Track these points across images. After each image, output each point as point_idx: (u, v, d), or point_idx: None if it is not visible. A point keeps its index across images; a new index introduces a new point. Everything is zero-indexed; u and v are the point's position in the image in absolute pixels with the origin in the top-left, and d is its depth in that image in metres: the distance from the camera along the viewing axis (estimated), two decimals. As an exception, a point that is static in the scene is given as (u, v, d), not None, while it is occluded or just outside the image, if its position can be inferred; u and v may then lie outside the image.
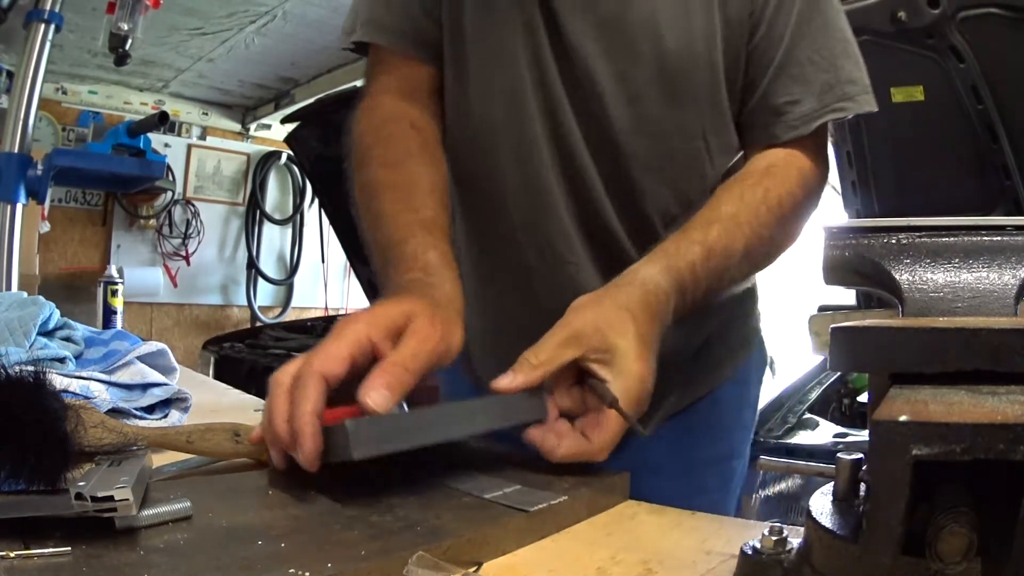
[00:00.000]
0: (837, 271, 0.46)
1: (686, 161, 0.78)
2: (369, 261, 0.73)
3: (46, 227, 3.52)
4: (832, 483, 0.41)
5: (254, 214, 5.06)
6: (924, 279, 0.42)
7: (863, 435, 2.17)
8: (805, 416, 2.41)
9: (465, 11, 0.79)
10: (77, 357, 0.87)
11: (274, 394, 0.55)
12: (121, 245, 4.57)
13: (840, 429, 2.29)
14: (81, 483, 0.43)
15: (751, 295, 0.92)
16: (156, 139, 3.03)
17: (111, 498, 0.42)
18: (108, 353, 0.88)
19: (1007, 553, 0.29)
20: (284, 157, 5.01)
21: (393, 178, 0.75)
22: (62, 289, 3.75)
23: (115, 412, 0.77)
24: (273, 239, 5.18)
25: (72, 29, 3.00)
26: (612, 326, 0.60)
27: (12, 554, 0.39)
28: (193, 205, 4.80)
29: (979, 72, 1.78)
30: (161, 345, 0.91)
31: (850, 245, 0.45)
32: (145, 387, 0.83)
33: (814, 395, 2.55)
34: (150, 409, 0.82)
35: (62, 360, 0.84)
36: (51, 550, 0.40)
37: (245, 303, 5.06)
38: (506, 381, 0.58)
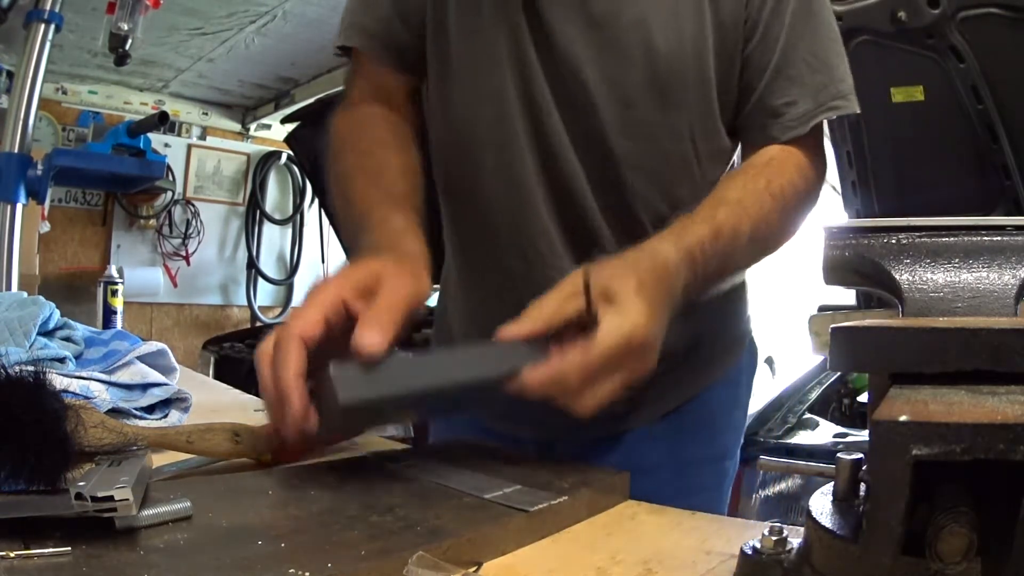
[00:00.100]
0: (837, 271, 0.46)
1: (676, 163, 0.78)
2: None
3: (46, 227, 3.52)
4: (832, 483, 0.41)
5: (254, 214, 5.06)
6: (924, 279, 0.42)
7: (863, 435, 2.17)
8: (805, 416, 2.41)
9: (449, 14, 0.79)
10: (77, 357, 0.87)
11: (260, 368, 0.55)
12: (121, 245, 4.56)
13: (840, 429, 2.29)
14: (81, 483, 0.43)
15: (741, 297, 0.93)
16: (156, 139, 3.04)
17: (111, 498, 0.42)
18: (108, 353, 0.88)
19: (1007, 553, 0.29)
20: (284, 157, 5.00)
21: (365, 163, 0.77)
22: (62, 289, 3.75)
23: (115, 412, 0.77)
24: (273, 239, 5.18)
25: (72, 29, 3.00)
26: (615, 278, 0.60)
27: (12, 554, 0.39)
28: (193, 205, 4.80)
29: (979, 72, 1.78)
30: (161, 345, 0.91)
31: (850, 245, 0.45)
32: (145, 387, 0.83)
33: (814, 395, 2.55)
34: (150, 409, 0.82)
35: (62, 360, 0.84)
36: (51, 550, 0.40)
37: (245, 303, 5.06)
38: (510, 330, 0.58)
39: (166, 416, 0.82)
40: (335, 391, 0.50)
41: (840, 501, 0.39)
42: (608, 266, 0.61)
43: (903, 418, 0.30)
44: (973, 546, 0.30)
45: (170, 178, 4.43)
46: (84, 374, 0.80)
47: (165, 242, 4.70)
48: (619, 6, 0.74)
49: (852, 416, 2.52)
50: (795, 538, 0.40)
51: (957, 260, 0.42)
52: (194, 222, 4.80)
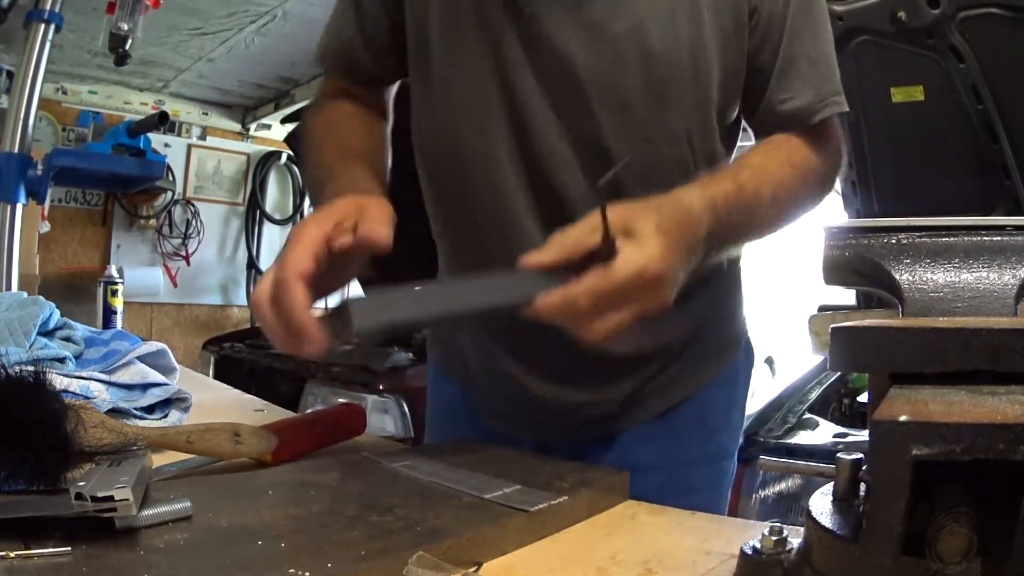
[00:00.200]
0: (837, 271, 0.46)
1: (673, 166, 0.78)
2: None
3: (46, 227, 3.52)
4: (832, 483, 0.41)
5: (254, 214, 5.06)
6: (924, 279, 0.42)
7: (863, 435, 2.17)
8: (805, 416, 2.41)
9: (431, 25, 0.79)
10: (77, 357, 0.87)
11: (261, 313, 0.58)
12: (121, 245, 4.56)
13: (840, 429, 2.29)
14: (81, 483, 0.43)
15: (736, 297, 0.93)
16: (156, 139, 3.03)
17: (111, 498, 0.42)
18: (108, 353, 0.88)
19: (1007, 553, 0.29)
20: (284, 157, 5.00)
21: (329, 138, 0.84)
22: (62, 289, 3.75)
23: (115, 412, 0.77)
24: (273, 239, 5.18)
25: (72, 29, 3.00)
26: (637, 215, 0.61)
27: (12, 554, 0.39)
28: (193, 205, 4.80)
29: (979, 72, 1.78)
30: (161, 345, 0.91)
31: (850, 245, 0.45)
32: (145, 387, 0.83)
33: (814, 395, 2.54)
34: (150, 409, 0.82)
35: (62, 360, 0.84)
36: (51, 550, 0.40)
37: (245, 303, 5.06)
38: (531, 258, 0.59)
39: (166, 416, 0.82)
40: (351, 320, 0.54)
41: (840, 501, 0.39)
42: (632, 206, 0.62)
43: (903, 418, 0.30)
44: (973, 546, 0.30)
45: (170, 178, 4.43)
46: (84, 374, 0.80)
47: (165, 242, 4.70)
48: (615, 10, 0.74)
49: (852, 416, 2.52)
50: (795, 538, 0.40)
51: (957, 260, 0.42)
52: (194, 222, 4.80)
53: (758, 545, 0.40)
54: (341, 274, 0.64)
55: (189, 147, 4.76)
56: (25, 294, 1.03)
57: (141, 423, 0.78)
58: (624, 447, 0.85)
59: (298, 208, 5.21)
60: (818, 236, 0.49)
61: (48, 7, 1.96)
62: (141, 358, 0.87)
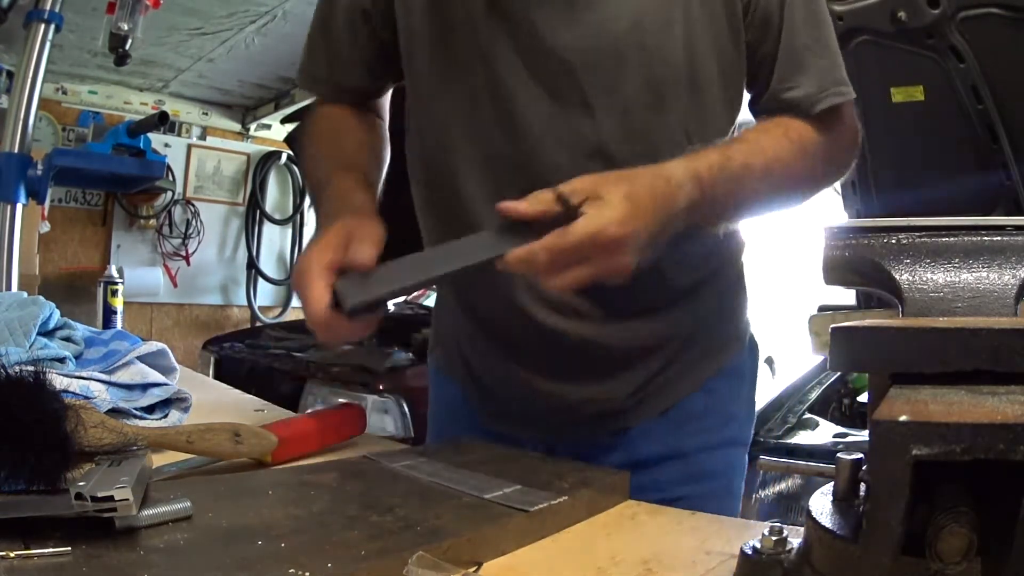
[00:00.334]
0: (837, 271, 0.46)
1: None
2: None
3: (46, 227, 3.52)
4: (832, 483, 0.41)
5: (254, 214, 5.05)
6: (924, 279, 0.42)
7: (863, 435, 2.17)
8: (805, 416, 2.41)
9: (419, 36, 0.80)
10: (77, 357, 0.87)
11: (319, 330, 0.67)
12: (121, 245, 4.56)
13: (840, 429, 2.29)
14: (81, 483, 0.43)
15: (739, 294, 0.93)
16: (156, 139, 3.03)
17: (111, 498, 0.42)
18: (108, 353, 0.88)
19: (1007, 553, 0.29)
20: (284, 157, 5.00)
21: (324, 145, 0.88)
22: (62, 289, 3.75)
23: (115, 412, 0.77)
24: (273, 239, 5.18)
25: (72, 29, 3.00)
26: (607, 182, 0.64)
27: (12, 554, 0.39)
28: (193, 205, 4.80)
29: (979, 72, 1.78)
30: (161, 345, 0.91)
31: (850, 245, 0.45)
32: (145, 387, 0.83)
33: (814, 395, 2.54)
34: (150, 409, 0.82)
35: (62, 360, 0.84)
36: (51, 550, 0.40)
37: (245, 303, 5.06)
38: (507, 205, 0.63)
39: (166, 416, 0.82)
40: (343, 298, 0.64)
41: (840, 501, 0.39)
42: (606, 174, 0.65)
43: (903, 418, 0.30)
44: (973, 546, 0.30)
45: (170, 178, 4.43)
46: (84, 374, 0.80)
47: (165, 242, 4.70)
48: (614, 10, 0.74)
49: (852, 416, 2.52)
50: (795, 538, 0.40)
51: (957, 260, 0.42)
52: (194, 222, 4.80)
53: (758, 545, 0.40)
54: None
55: (189, 147, 4.76)
56: (25, 294, 1.03)
57: (141, 423, 0.78)
58: (629, 445, 0.85)
59: (298, 208, 5.20)
60: (818, 236, 0.49)
61: (48, 7, 1.96)
62: (141, 358, 0.87)
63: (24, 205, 1.99)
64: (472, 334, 0.89)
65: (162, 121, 2.63)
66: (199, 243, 4.84)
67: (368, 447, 0.78)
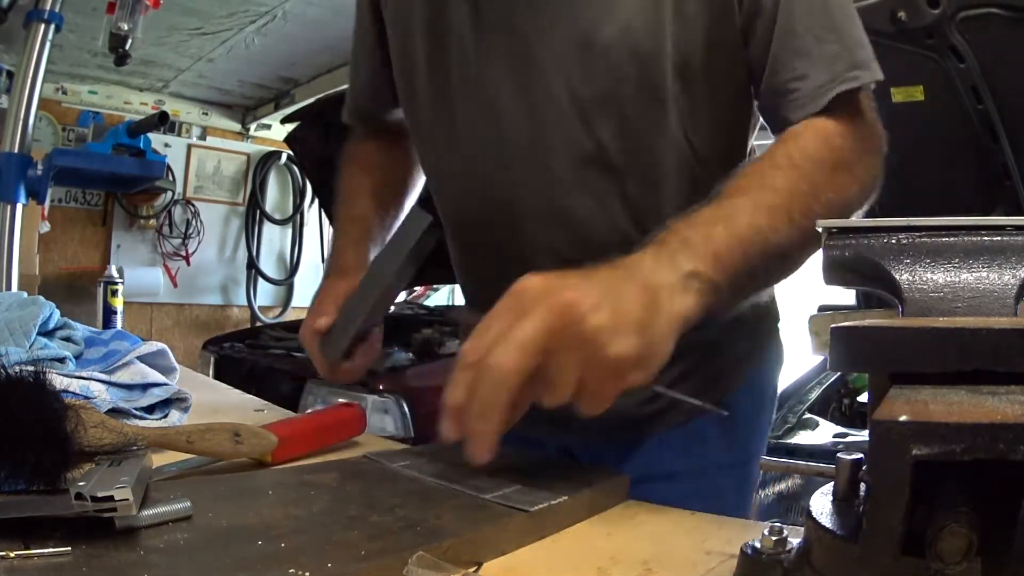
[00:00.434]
0: (837, 271, 0.46)
1: (675, 171, 0.75)
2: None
3: (46, 227, 3.52)
4: (832, 483, 0.41)
5: (254, 214, 5.06)
6: (924, 279, 0.42)
7: (863, 435, 2.17)
8: (805, 416, 2.42)
9: (419, 78, 0.82)
10: (77, 357, 0.87)
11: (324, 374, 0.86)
12: (121, 245, 4.57)
13: (840, 429, 2.30)
14: (81, 483, 0.43)
15: (765, 299, 0.88)
16: (156, 139, 3.03)
17: (111, 498, 0.42)
18: (108, 353, 0.88)
19: (1007, 553, 0.29)
20: (284, 157, 5.00)
21: (345, 188, 0.99)
22: (62, 289, 3.76)
23: (115, 412, 0.77)
24: (273, 239, 5.18)
25: (72, 29, 3.00)
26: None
27: (12, 554, 0.39)
28: (193, 205, 4.80)
29: (979, 72, 1.78)
30: (161, 345, 0.91)
31: (850, 245, 0.45)
32: (145, 387, 0.83)
33: (814, 395, 2.55)
34: (150, 409, 0.82)
35: (62, 360, 0.84)
36: (51, 550, 0.40)
37: (245, 303, 5.06)
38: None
39: (166, 416, 0.82)
40: (326, 355, 0.83)
41: (840, 501, 0.39)
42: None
43: (903, 418, 0.30)
44: (973, 546, 0.30)
45: (170, 178, 4.43)
46: (84, 374, 0.80)
47: (165, 242, 4.71)
48: (603, 17, 0.71)
49: (852, 416, 2.52)
50: (795, 538, 0.40)
51: (957, 260, 0.42)
52: (194, 222, 4.80)
53: (758, 545, 0.40)
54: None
55: (189, 147, 4.77)
56: (25, 294, 1.03)
57: (141, 423, 0.78)
58: (647, 454, 0.82)
59: (298, 208, 5.21)
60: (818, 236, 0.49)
61: (48, 7, 1.96)
62: (141, 358, 0.87)
63: (24, 205, 1.99)
64: None
65: (162, 121, 2.63)
66: (199, 243, 4.84)
67: (368, 447, 0.78)
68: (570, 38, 0.72)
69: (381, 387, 2.21)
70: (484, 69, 0.76)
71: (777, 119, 0.73)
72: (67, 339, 0.90)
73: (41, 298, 0.95)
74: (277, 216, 5.15)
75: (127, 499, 0.42)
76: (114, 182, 3.03)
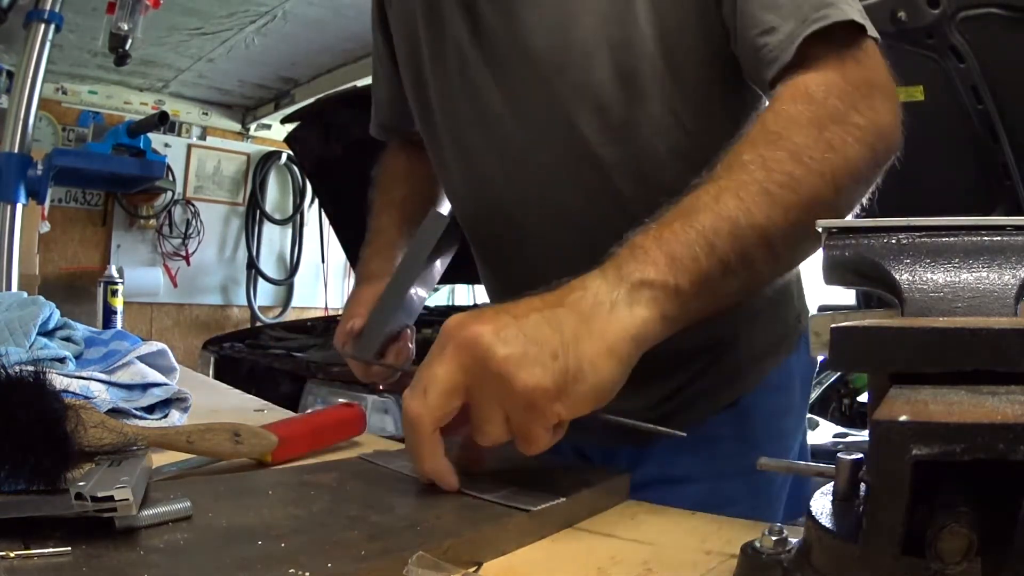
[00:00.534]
0: (837, 271, 0.46)
1: (668, 157, 0.73)
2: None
3: (46, 227, 3.52)
4: (832, 483, 0.41)
5: (254, 214, 5.06)
6: (924, 279, 0.42)
7: (863, 435, 2.17)
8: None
9: (430, 88, 0.84)
10: (77, 357, 0.87)
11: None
12: (121, 245, 4.57)
13: (840, 429, 2.30)
14: (81, 483, 0.43)
15: (784, 291, 0.83)
16: (156, 139, 3.03)
17: (111, 498, 0.42)
18: (108, 353, 0.88)
19: (1007, 553, 0.29)
20: (284, 157, 5.01)
21: (379, 196, 1.02)
22: (62, 289, 3.76)
23: (115, 412, 0.77)
24: (273, 239, 5.19)
25: (72, 29, 3.01)
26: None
27: (12, 554, 0.39)
28: (193, 205, 4.81)
29: (979, 72, 1.78)
30: (161, 345, 0.91)
31: (850, 245, 0.45)
32: (145, 387, 0.83)
33: (814, 395, 2.54)
34: (150, 409, 0.82)
35: (62, 360, 0.84)
36: (51, 550, 0.40)
37: (245, 303, 5.07)
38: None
39: (166, 416, 0.82)
40: (360, 358, 0.85)
41: (840, 501, 0.39)
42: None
43: (903, 418, 0.30)
44: (973, 546, 0.30)
45: (170, 178, 4.44)
46: (84, 374, 0.80)
47: (165, 242, 4.71)
48: (576, 10, 0.70)
49: (852, 416, 2.52)
50: (795, 538, 0.40)
51: (957, 260, 0.42)
52: (194, 222, 4.81)
53: (758, 545, 0.40)
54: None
55: (189, 147, 4.77)
56: (25, 294, 1.03)
57: (141, 423, 0.78)
58: (660, 457, 0.81)
59: (298, 208, 5.21)
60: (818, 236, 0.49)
61: (48, 7, 1.96)
62: (141, 358, 0.87)
63: (24, 205, 1.99)
64: None
65: (162, 121, 2.64)
66: (199, 243, 4.85)
67: (368, 447, 0.78)
68: (552, 32, 0.72)
69: (381, 387, 2.21)
70: (479, 74, 0.77)
71: (758, 80, 0.67)
72: (67, 339, 0.90)
73: (41, 298, 0.95)
74: (277, 216, 5.16)
75: (127, 499, 0.42)
76: (114, 182, 3.03)
